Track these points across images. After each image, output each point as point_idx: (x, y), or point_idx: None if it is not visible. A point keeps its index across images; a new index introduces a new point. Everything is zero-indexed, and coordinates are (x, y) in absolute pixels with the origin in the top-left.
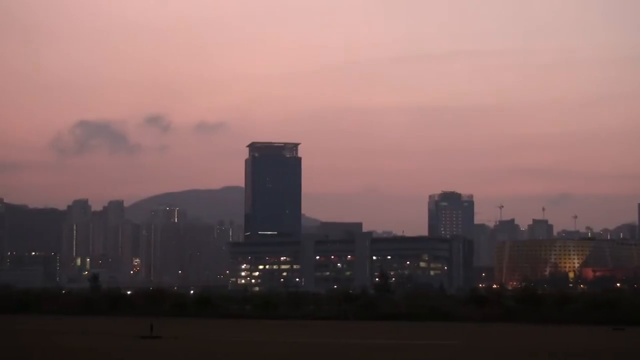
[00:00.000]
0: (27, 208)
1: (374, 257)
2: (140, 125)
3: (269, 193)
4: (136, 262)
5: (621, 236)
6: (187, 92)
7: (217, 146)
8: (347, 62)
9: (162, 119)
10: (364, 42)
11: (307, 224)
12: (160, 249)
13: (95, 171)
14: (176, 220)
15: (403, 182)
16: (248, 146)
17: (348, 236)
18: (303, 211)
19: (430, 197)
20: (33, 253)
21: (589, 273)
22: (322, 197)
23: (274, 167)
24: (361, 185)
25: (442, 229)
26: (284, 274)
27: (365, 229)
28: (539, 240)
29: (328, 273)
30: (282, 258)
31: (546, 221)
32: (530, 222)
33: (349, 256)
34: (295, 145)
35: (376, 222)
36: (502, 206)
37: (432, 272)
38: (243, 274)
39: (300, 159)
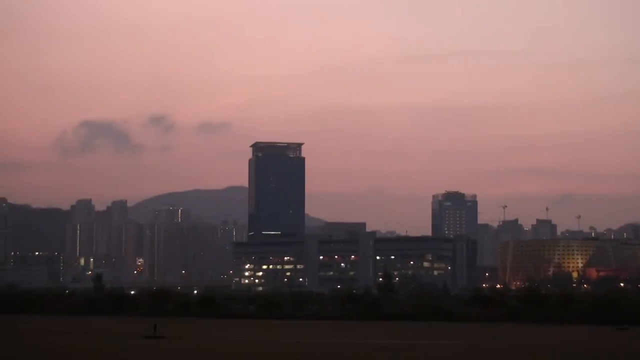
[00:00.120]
0: (31, 208)
1: (378, 257)
2: (144, 125)
3: (273, 193)
4: (140, 262)
5: (625, 236)
6: (190, 92)
7: (221, 146)
8: (351, 62)
9: (165, 119)
10: (368, 42)
11: (310, 224)
12: (163, 249)
13: (98, 171)
14: (180, 220)
15: (406, 182)
16: (252, 146)
17: (352, 236)
18: (307, 211)
19: (434, 197)
20: (37, 253)
21: (593, 273)
22: (326, 197)
23: (278, 167)
24: (365, 185)
25: (445, 229)
26: (288, 274)
27: (368, 229)
28: (542, 240)
29: (332, 273)
30: (285, 258)
31: (550, 221)
32: (534, 222)
33: (353, 256)
34: (299, 145)
35: (380, 222)
36: (506, 206)
37: (435, 272)
38: (247, 274)
39: (303, 159)
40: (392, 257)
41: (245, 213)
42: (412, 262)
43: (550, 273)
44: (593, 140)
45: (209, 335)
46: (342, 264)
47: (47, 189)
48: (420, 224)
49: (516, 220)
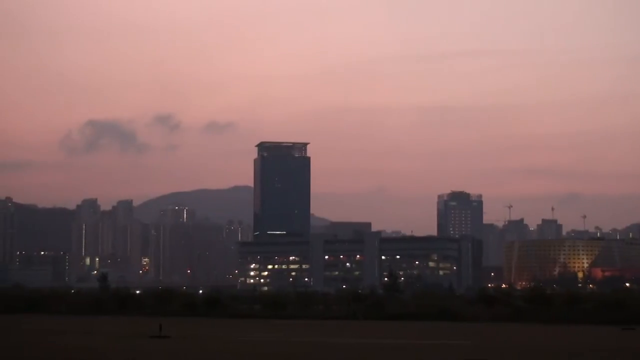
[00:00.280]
0: (36, 208)
1: (383, 257)
2: (150, 124)
3: (278, 193)
4: (145, 261)
5: (630, 236)
6: (196, 92)
7: (226, 146)
8: (356, 62)
9: (171, 119)
10: (372, 42)
11: (316, 223)
12: (169, 248)
13: (104, 171)
14: (185, 220)
15: (412, 182)
16: (257, 146)
17: (357, 236)
18: (312, 211)
19: (439, 197)
20: (42, 253)
21: (598, 273)
22: (331, 197)
23: (283, 166)
24: (370, 185)
25: (451, 228)
26: (293, 273)
27: (374, 228)
28: (548, 240)
29: (337, 273)
30: (291, 258)
31: (555, 221)
32: (540, 222)
33: (358, 256)
34: (304, 145)
35: (385, 222)
36: (511, 206)
37: (441, 272)
38: (252, 273)
39: (309, 158)
40: (398, 257)
41: (250, 213)
42: (417, 262)
43: (556, 273)
44: (599, 139)
45: (214, 335)
46: (348, 264)
47: (53, 189)
48: (425, 224)
49: (522, 220)
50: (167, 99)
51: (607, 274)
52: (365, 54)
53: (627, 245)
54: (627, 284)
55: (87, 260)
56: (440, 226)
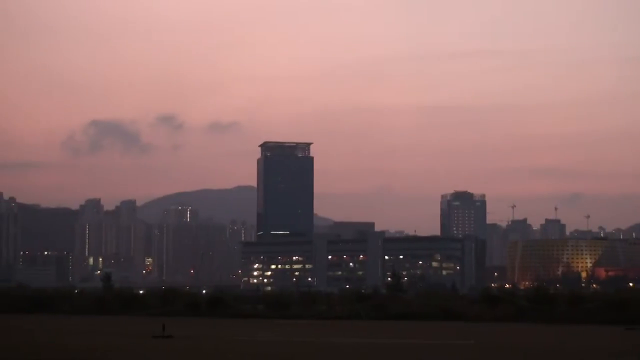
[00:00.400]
0: (40, 208)
1: (386, 257)
2: (153, 124)
3: (281, 193)
4: (148, 261)
5: (634, 236)
6: (199, 92)
7: (230, 146)
8: (360, 62)
9: (174, 119)
10: (377, 41)
11: (319, 223)
12: (172, 248)
13: (107, 171)
14: (188, 220)
15: (415, 182)
16: (260, 146)
17: (360, 236)
18: (315, 211)
19: (443, 196)
20: (46, 252)
21: (602, 273)
22: (335, 197)
23: (286, 166)
24: (373, 185)
25: (454, 228)
26: (297, 273)
27: (377, 228)
28: (551, 240)
29: (340, 273)
30: (294, 258)
31: (558, 221)
32: (543, 222)
33: (361, 256)
34: (308, 144)
35: (388, 222)
36: (515, 206)
37: (444, 272)
38: (255, 273)
39: (312, 158)
40: (401, 256)
41: (254, 213)
42: (420, 262)
43: (559, 273)
44: (603, 139)
45: (217, 335)
46: (351, 264)
47: (56, 189)
48: (428, 224)
49: (525, 220)
50: (171, 99)
51: (610, 273)
52: (369, 54)
53: (630, 245)
54: (631, 284)
55: (91, 260)
56: (443, 226)
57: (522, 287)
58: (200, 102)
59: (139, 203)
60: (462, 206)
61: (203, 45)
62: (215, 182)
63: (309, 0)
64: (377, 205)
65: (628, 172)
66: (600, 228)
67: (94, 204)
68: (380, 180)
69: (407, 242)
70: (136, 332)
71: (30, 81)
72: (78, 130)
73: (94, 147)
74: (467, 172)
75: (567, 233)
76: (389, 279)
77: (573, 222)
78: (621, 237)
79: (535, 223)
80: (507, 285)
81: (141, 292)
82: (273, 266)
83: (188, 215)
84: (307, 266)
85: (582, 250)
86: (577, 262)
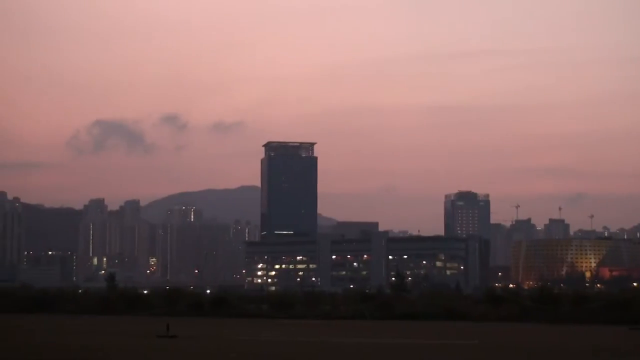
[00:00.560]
0: (44, 208)
1: (390, 257)
2: (157, 124)
3: (285, 192)
4: (152, 261)
5: (638, 236)
6: (203, 91)
7: (233, 146)
8: (363, 61)
9: (178, 119)
10: (381, 41)
11: (323, 223)
12: (176, 248)
13: (111, 171)
14: (192, 220)
15: (419, 182)
16: (264, 146)
17: (364, 236)
18: (319, 211)
19: (447, 196)
20: (50, 252)
21: (606, 273)
22: (338, 197)
23: (290, 166)
24: (377, 185)
25: (458, 228)
26: (300, 273)
27: (381, 228)
28: (555, 239)
29: (344, 272)
30: (298, 257)
31: (562, 221)
32: (547, 222)
33: (365, 256)
34: (311, 144)
35: (392, 222)
36: (519, 206)
37: (448, 272)
38: (259, 273)
39: (316, 158)
40: (405, 256)
41: (257, 213)
42: (424, 262)
43: (563, 273)
44: (607, 139)
45: (221, 334)
46: (355, 264)
47: (60, 189)
48: (432, 224)
49: (529, 220)
50: (174, 99)
51: (614, 273)
52: (373, 54)
53: (634, 245)
54: (635, 284)
55: (95, 260)
56: (447, 226)
57: (526, 287)
58: (204, 102)
59: (142, 203)
60: (466, 206)
61: (207, 45)
62: (219, 182)
63: (312, 1)
64: (381, 205)
65: (632, 171)
66: (605, 228)
67: (97, 204)
68: (384, 180)
69: (411, 242)
70: (140, 332)
71: (33, 81)
72: (82, 130)
73: (97, 147)
74: (471, 172)
75: (571, 233)
76: (393, 278)
77: (577, 222)
78: (625, 237)
79: (539, 223)
80: (511, 285)
81: (145, 292)
82: (277, 266)
83: (192, 215)
84: (311, 266)
85: (586, 250)
86: (581, 262)
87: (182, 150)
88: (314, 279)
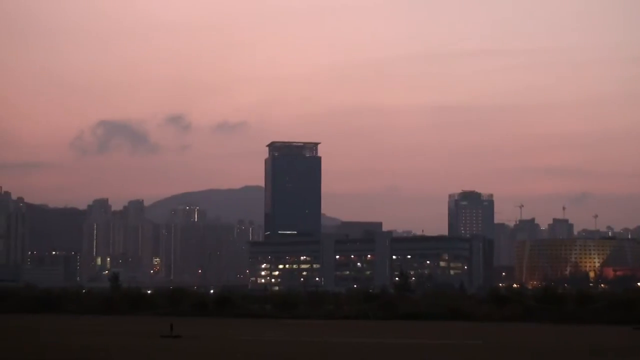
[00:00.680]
0: (48, 208)
1: (394, 257)
2: (161, 125)
3: (289, 192)
4: (156, 261)
5: None
6: (207, 92)
7: (237, 146)
8: (368, 61)
9: (182, 119)
10: (381, 41)
11: (327, 223)
12: (180, 248)
13: (115, 171)
14: (196, 220)
15: (423, 182)
16: (268, 146)
17: (368, 236)
18: (323, 211)
19: (450, 196)
20: (54, 253)
21: (610, 272)
22: (342, 197)
23: (294, 166)
24: (381, 185)
25: (462, 228)
26: (304, 273)
27: (385, 228)
28: (559, 239)
29: (348, 272)
30: (302, 257)
31: (566, 220)
32: (551, 222)
33: (369, 256)
34: (315, 144)
35: (396, 222)
36: (522, 205)
37: (452, 272)
38: (263, 273)
39: (320, 158)
40: (409, 256)
41: (261, 213)
42: (428, 262)
43: (567, 272)
44: (610, 139)
45: (225, 334)
46: (359, 264)
47: (64, 189)
48: (436, 224)
49: (533, 220)
50: (179, 99)
51: (618, 273)
52: (377, 54)
53: (638, 245)
54: (639, 284)
55: (99, 260)
56: (451, 226)
57: (530, 287)
58: (207, 102)
59: (146, 203)
60: (470, 206)
61: (211, 46)
62: (223, 182)
63: (312, 1)
64: (384, 205)
65: (636, 171)
66: (609, 228)
67: (101, 204)
68: (388, 180)
69: (414, 242)
70: (144, 332)
71: (38, 81)
72: (86, 131)
73: (102, 147)
74: (474, 171)
75: (575, 233)
76: (397, 278)
77: (581, 222)
78: (629, 237)
79: (543, 223)
80: (515, 285)
81: (149, 292)
82: (281, 266)
83: (196, 215)
84: (314, 266)
85: (590, 250)
86: (585, 262)
87: (186, 150)
88: (317, 278)
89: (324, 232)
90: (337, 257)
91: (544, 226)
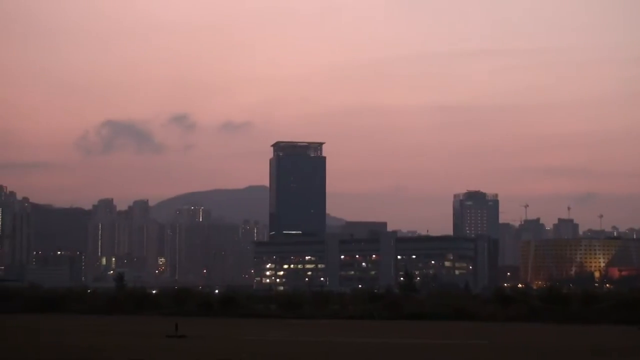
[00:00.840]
0: (53, 208)
1: (399, 257)
2: (166, 124)
3: (294, 192)
4: (161, 261)
5: None
6: (211, 91)
7: (242, 146)
8: (373, 61)
9: (187, 119)
10: (388, 42)
11: (331, 223)
12: (185, 248)
13: (120, 171)
14: (201, 220)
15: (428, 182)
16: (272, 146)
17: (373, 235)
18: (328, 211)
19: (455, 196)
20: (59, 252)
21: (615, 272)
22: (347, 197)
23: (299, 166)
24: (386, 185)
25: (467, 228)
26: (309, 273)
27: (390, 228)
28: (564, 239)
29: (353, 272)
30: (306, 257)
31: (572, 220)
32: (556, 222)
33: (374, 255)
34: (320, 144)
35: (401, 222)
36: (527, 205)
37: (457, 272)
38: (268, 273)
39: (324, 158)
40: (414, 256)
41: (266, 213)
42: (433, 262)
43: (572, 272)
44: (615, 139)
45: (229, 334)
46: (363, 264)
47: (69, 189)
48: (441, 224)
49: (538, 220)
50: (183, 99)
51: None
52: (381, 54)
53: None
54: None
55: (104, 260)
56: (456, 226)
57: (535, 287)
58: (212, 102)
59: (151, 203)
60: (475, 206)
61: (215, 45)
62: (228, 182)
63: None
64: (389, 205)
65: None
66: (614, 227)
67: (106, 204)
68: (393, 180)
69: (419, 241)
70: (149, 331)
71: (43, 81)
72: (91, 131)
73: (106, 147)
74: (479, 171)
75: (580, 233)
76: (402, 278)
77: (586, 222)
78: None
79: (548, 223)
80: (520, 285)
81: (154, 292)
82: (285, 266)
83: (200, 215)
84: (319, 266)
85: (595, 250)
86: (590, 262)
87: (191, 150)
88: (322, 278)
89: (328, 232)
90: (342, 257)
91: (549, 226)
